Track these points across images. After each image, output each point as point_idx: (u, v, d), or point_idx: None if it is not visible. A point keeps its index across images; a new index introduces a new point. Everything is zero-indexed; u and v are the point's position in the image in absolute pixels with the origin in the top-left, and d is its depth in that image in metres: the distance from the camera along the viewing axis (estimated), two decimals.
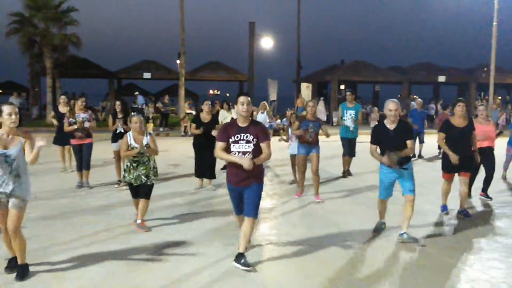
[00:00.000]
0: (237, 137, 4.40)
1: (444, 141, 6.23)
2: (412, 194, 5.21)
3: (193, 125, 7.96)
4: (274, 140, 6.26)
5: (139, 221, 5.65)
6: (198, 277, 4.26)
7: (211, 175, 8.02)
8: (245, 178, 4.40)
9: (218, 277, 4.26)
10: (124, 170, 5.69)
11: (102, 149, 11.79)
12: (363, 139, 15.26)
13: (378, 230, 5.67)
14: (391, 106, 5.15)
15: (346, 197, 7.44)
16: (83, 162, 8.09)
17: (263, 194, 5.22)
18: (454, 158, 6.02)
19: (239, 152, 4.38)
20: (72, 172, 9.19)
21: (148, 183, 5.61)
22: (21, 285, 4.06)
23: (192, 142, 8.13)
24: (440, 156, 12.57)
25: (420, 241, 5.24)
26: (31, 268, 4.30)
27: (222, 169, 9.20)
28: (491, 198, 7.36)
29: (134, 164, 5.57)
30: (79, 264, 4.53)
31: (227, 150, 4.44)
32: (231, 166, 4.51)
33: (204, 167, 7.91)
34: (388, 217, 5.79)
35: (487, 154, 7.15)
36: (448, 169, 6.34)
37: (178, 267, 4.48)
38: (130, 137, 5.64)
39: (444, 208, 6.60)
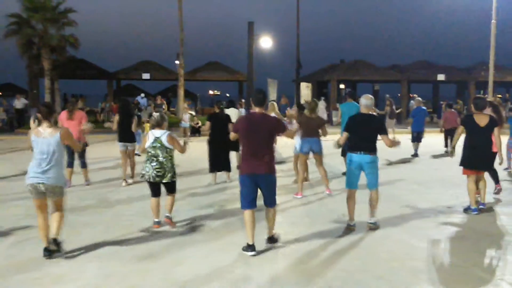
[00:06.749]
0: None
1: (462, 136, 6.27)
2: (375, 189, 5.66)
3: (208, 123, 8.48)
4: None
5: (167, 215, 5.84)
6: (196, 277, 4.23)
7: (228, 167, 8.66)
8: (258, 164, 4.76)
9: (216, 276, 4.23)
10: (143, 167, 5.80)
11: (101, 150, 11.77)
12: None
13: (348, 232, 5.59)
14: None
15: (345, 195, 7.39)
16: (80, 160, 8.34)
17: None
18: None
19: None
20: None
21: (165, 181, 5.72)
22: (17, 286, 4.05)
23: (208, 139, 8.55)
24: (447, 152, 12.61)
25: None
26: (29, 270, 4.31)
27: (238, 167, 9.34)
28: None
29: (149, 160, 5.67)
30: (77, 265, 4.50)
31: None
32: (245, 155, 4.84)
33: (220, 161, 8.53)
34: (386, 217, 5.76)
35: None
36: (468, 165, 6.35)
37: (177, 268, 4.45)
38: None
39: (475, 210, 6.32)
